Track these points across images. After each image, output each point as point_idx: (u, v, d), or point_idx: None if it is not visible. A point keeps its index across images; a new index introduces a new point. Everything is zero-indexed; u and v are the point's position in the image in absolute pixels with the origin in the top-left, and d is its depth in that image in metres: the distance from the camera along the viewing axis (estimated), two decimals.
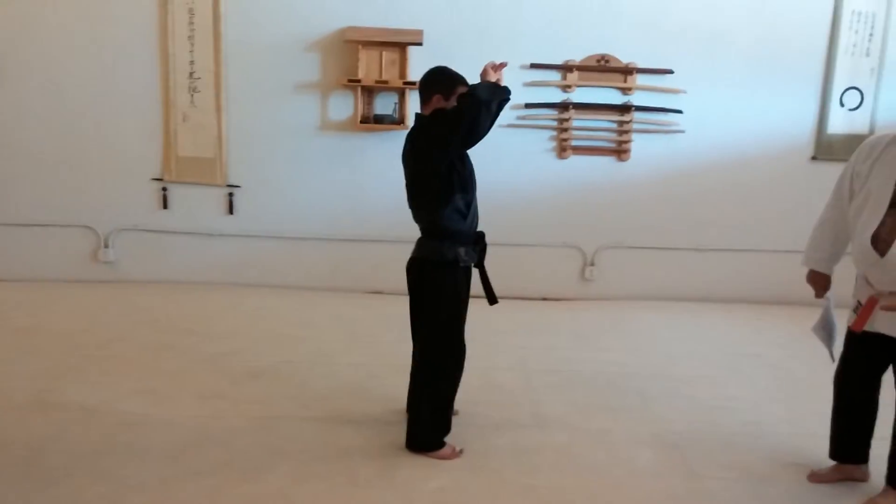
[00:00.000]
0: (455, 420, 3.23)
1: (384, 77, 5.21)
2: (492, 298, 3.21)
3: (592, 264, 5.75)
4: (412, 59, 5.25)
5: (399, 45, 5.19)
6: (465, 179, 2.95)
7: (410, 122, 5.33)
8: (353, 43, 5.18)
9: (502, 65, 2.95)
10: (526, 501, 2.69)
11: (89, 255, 5.63)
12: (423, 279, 3.02)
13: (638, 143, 5.60)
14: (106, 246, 5.60)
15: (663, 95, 5.54)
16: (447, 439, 3.05)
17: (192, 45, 5.31)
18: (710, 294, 5.74)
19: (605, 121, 5.59)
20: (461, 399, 3.36)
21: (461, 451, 3.04)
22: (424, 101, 3.00)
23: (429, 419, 3.02)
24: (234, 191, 5.54)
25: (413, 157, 2.98)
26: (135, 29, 5.31)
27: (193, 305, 5.11)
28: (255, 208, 5.58)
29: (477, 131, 2.79)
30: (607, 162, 5.64)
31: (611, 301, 5.69)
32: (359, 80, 5.18)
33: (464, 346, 3.08)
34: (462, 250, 2.96)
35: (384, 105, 5.39)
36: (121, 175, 5.52)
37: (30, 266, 5.58)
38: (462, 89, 2.90)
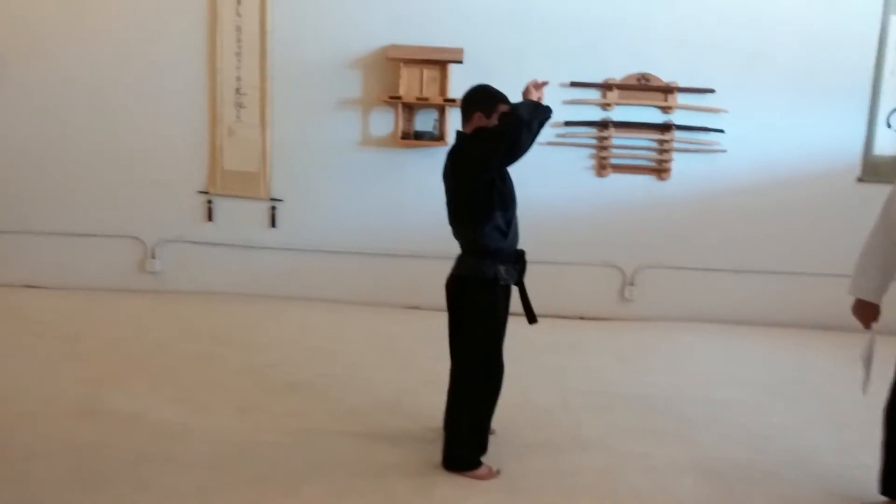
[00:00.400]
0: (493, 439, 3.22)
1: (424, 94, 5.26)
2: (531, 317, 3.20)
3: (632, 284, 5.70)
4: (452, 76, 5.29)
5: (439, 62, 5.24)
6: (505, 197, 2.96)
7: (450, 138, 5.37)
8: (394, 61, 5.25)
9: (544, 83, 2.97)
10: None
11: (137, 266, 5.76)
12: (462, 297, 3.02)
13: (678, 163, 5.55)
14: (153, 257, 5.73)
15: (704, 114, 5.49)
16: (484, 459, 3.04)
17: (239, 61, 5.42)
18: (751, 317, 5.64)
19: (646, 139, 5.56)
20: (499, 418, 3.34)
21: (498, 472, 3.02)
22: (466, 118, 3.02)
23: (465, 438, 3.01)
24: (277, 204, 5.63)
25: (453, 174, 3.00)
26: (185, 46, 5.45)
27: (235, 317, 5.19)
28: (297, 222, 5.65)
29: (517, 150, 2.81)
30: (647, 181, 5.60)
31: (650, 322, 5.63)
32: (399, 97, 5.24)
33: (502, 364, 3.07)
34: (502, 268, 2.96)
35: (424, 121, 5.44)
36: (168, 187, 5.65)
37: (79, 275, 5.72)
38: (503, 108, 2.92)
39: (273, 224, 5.65)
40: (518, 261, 3.08)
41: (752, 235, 5.63)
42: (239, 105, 5.48)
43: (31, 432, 3.19)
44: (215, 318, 5.11)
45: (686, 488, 2.97)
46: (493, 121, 2.92)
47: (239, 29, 5.38)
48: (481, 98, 2.98)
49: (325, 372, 4.15)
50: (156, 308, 5.30)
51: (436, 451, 3.12)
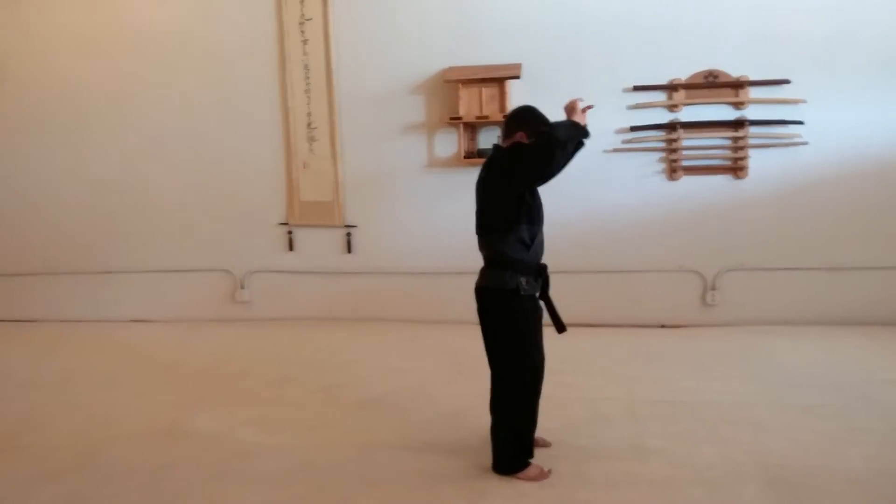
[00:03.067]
0: (548, 450, 3.23)
1: (484, 112, 5.34)
2: (560, 327, 3.19)
3: (714, 288, 5.50)
4: (511, 92, 5.34)
5: (497, 80, 5.30)
6: (532, 211, 3.01)
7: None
8: (453, 82, 5.36)
9: (588, 107, 3.02)
10: None
11: (228, 297, 6.12)
12: (486, 308, 3.08)
13: (756, 159, 5.33)
14: (242, 287, 6.07)
15: (780, 107, 5.26)
16: (535, 461, 3.07)
17: (309, 98, 5.70)
18: (845, 317, 5.31)
19: (718, 138, 5.38)
20: (558, 429, 3.34)
21: (549, 472, 3.05)
22: (507, 135, 3.08)
23: (508, 441, 3.06)
24: (352, 231, 5.84)
25: (485, 185, 3.06)
26: (259, 88, 5.79)
27: (314, 340, 5.40)
28: (371, 246, 5.85)
29: (550, 169, 2.85)
30: (723, 180, 5.41)
31: (735, 327, 5.40)
32: (460, 118, 5.33)
33: (536, 367, 3.06)
34: (523, 280, 2.99)
35: (487, 139, 5.51)
36: (252, 221, 5.99)
37: (179, 308, 6.15)
38: (544, 127, 2.95)
39: (349, 250, 5.86)
40: (541, 274, 3.09)
41: (841, 230, 5.32)
42: (311, 139, 5.76)
43: (119, 452, 3.47)
44: (296, 343, 5.35)
45: (749, 498, 2.84)
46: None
47: (306, 67, 5.67)
48: (526, 118, 3.05)
49: (394, 390, 4.25)
50: (243, 336, 5.60)
51: (489, 462, 3.15)
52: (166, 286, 6.17)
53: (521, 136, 3.00)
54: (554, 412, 3.63)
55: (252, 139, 5.86)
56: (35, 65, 6.03)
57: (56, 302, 6.28)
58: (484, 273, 3.09)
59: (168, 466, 3.31)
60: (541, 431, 3.29)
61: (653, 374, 4.41)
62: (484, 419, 3.61)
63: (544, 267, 3.10)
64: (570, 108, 3.03)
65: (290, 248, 5.95)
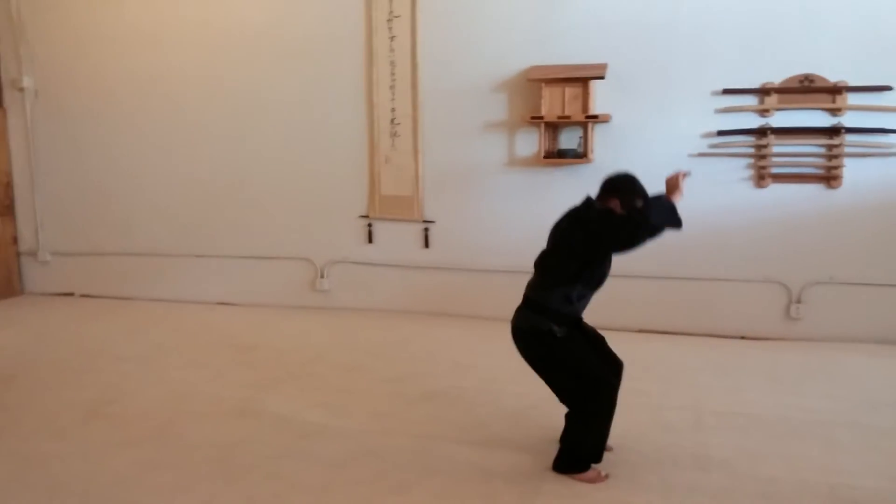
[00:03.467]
0: (609, 454, 3.20)
1: (566, 112, 5.30)
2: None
3: (799, 301, 5.28)
4: (596, 92, 5.28)
5: (581, 80, 5.25)
6: (594, 278, 3.03)
7: (594, 155, 5.36)
8: (535, 81, 5.35)
9: (686, 174, 3.08)
10: None
11: (308, 285, 6.32)
12: (524, 347, 3.13)
13: (851, 168, 5.08)
14: (322, 276, 6.26)
15: (880, 115, 4.99)
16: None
17: (393, 93, 5.82)
18: None
19: (811, 145, 5.15)
20: (621, 434, 3.31)
21: (607, 476, 3.04)
22: (601, 198, 3.06)
23: (577, 449, 3.06)
24: (430, 226, 5.93)
25: (565, 231, 3.07)
26: (346, 84, 5.94)
27: (388, 331, 5.52)
28: (448, 242, 5.90)
29: (632, 246, 2.90)
30: (814, 189, 5.18)
31: (820, 342, 5.16)
32: (541, 117, 5.32)
33: (601, 384, 3.02)
34: (556, 327, 3.01)
35: (569, 139, 5.47)
36: (334, 213, 6.16)
37: (262, 293, 6.40)
38: (639, 202, 2.95)
39: (426, 245, 5.95)
40: (574, 326, 3.12)
41: None
42: (394, 134, 5.87)
43: (194, 426, 3.67)
44: (370, 333, 5.48)
45: None
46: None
47: (392, 63, 5.78)
48: (622, 189, 3.02)
49: (460, 384, 4.30)
50: (321, 323, 5.78)
51: (547, 462, 3.16)
52: (251, 272, 6.43)
53: (614, 203, 2.98)
54: (617, 417, 3.50)
55: (337, 133, 6.03)
56: (137, 57, 6.38)
57: (151, 282, 6.65)
58: (519, 313, 3.14)
59: (237, 442, 3.48)
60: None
61: (725, 384, 4.28)
62: (547, 419, 3.64)
63: (580, 319, 3.15)
64: (673, 185, 3.03)
65: (370, 240, 6.09)
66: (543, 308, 3.03)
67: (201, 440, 3.51)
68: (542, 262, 3.14)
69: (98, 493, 2.99)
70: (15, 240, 6.89)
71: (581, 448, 3.05)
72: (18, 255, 6.93)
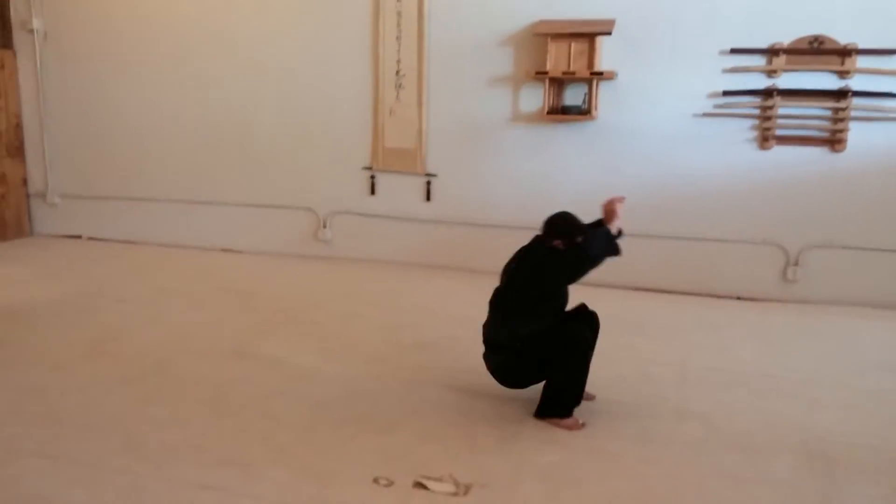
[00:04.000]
0: (590, 405, 3.28)
1: (572, 68, 5.26)
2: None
3: (796, 264, 5.29)
4: (602, 49, 5.24)
5: (588, 35, 5.19)
6: (551, 310, 3.20)
7: (598, 113, 5.35)
8: (542, 36, 5.30)
9: (620, 200, 3.20)
10: (630, 486, 2.67)
11: (311, 234, 6.39)
12: (496, 353, 3.27)
13: (856, 132, 5.04)
14: (324, 226, 6.32)
15: (889, 78, 4.93)
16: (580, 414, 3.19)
17: (399, 45, 5.79)
18: None
19: (817, 108, 5.10)
20: (603, 386, 3.37)
21: (583, 424, 3.13)
22: (546, 239, 3.19)
23: (556, 398, 3.14)
24: (432, 179, 5.95)
25: (516, 271, 3.23)
26: (352, 36, 5.92)
27: (387, 282, 5.60)
28: (450, 196, 5.93)
29: (577, 278, 3.12)
30: (818, 153, 5.15)
31: (815, 305, 5.19)
32: (546, 73, 5.29)
33: (573, 339, 3.09)
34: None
35: (574, 96, 5.44)
36: (338, 164, 6.19)
37: (265, 241, 6.47)
38: (579, 237, 3.11)
39: (428, 198, 5.98)
40: None
41: None
42: (399, 87, 5.86)
43: (191, 365, 3.78)
44: (369, 283, 5.56)
45: (780, 468, 2.82)
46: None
47: (399, 14, 5.74)
48: (563, 229, 3.17)
49: (454, 334, 4.38)
50: (321, 272, 5.87)
51: (530, 409, 3.24)
52: (255, 220, 6.49)
53: (557, 243, 3.14)
54: (603, 369, 3.64)
55: (342, 84, 6.03)
56: (145, 4, 6.38)
57: (156, 227, 6.74)
58: (492, 325, 3.30)
59: (231, 381, 3.59)
60: (588, 384, 3.34)
61: (715, 342, 4.34)
62: None
63: None
64: (609, 211, 3.19)
65: (373, 192, 6.13)
66: (518, 336, 3.15)
67: (197, 378, 3.62)
68: (499, 300, 3.27)
69: (95, 424, 3.10)
70: (25, 181, 6.99)
71: (561, 397, 3.14)
72: (28, 196, 7.03)
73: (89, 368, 3.72)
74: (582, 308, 3.32)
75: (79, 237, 6.96)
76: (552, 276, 3.13)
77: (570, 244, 3.10)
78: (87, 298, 4.97)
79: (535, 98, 5.56)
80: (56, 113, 6.85)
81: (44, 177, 6.98)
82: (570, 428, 3.09)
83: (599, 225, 3.19)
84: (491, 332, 3.27)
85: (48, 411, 3.21)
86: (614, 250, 3.11)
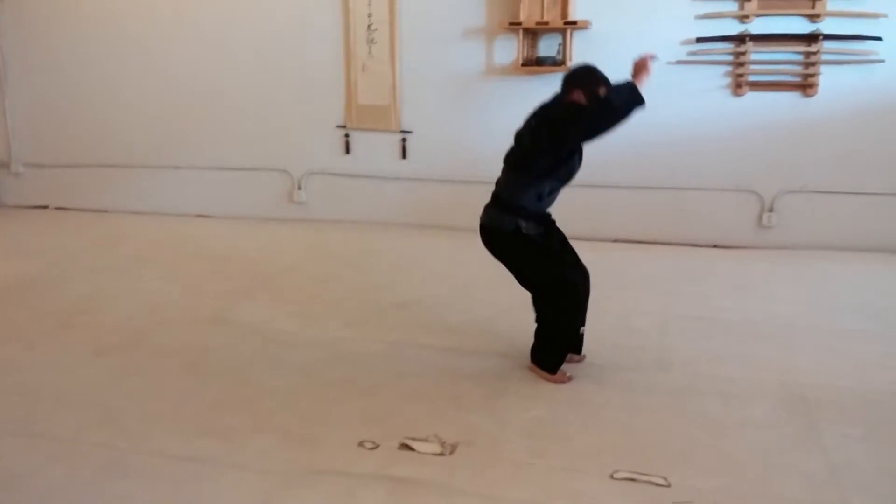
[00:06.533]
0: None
1: (545, 18, 5.16)
2: None
3: (771, 210, 5.31)
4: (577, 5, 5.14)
5: None
6: (566, 172, 3.03)
7: (573, 62, 5.24)
8: None
9: (653, 57, 2.94)
10: (616, 437, 2.69)
11: (285, 196, 6.27)
12: (494, 246, 3.15)
13: (827, 76, 5.02)
14: (299, 188, 6.21)
15: (858, 21, 4.90)
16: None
17: None
18: None
19: (789, 52, 5.07)
20: (586, 339, 3.37)
21: (570, 378, 3.13)
22: (566, 92, 3.01)
23: (542, 347, 3.16)
24: (407, 136, 5.85)
25: (533, 127, 3.01)
26: None
27: (365, 243, 5.53)
28: (426, 153, 5.84)
29: (598, 133, 2.87)
30: (790, 98, 5.13)
31: (791, 250, 5.23)
32: (520, 23, 5.18)
33: (568, 288, 3.07)
34: (522, 223, 3.03)
35: (549, 47, 5.35)
36: (311, 124, 6.05)
37: (236, 205, 6.33)
38: (603, 91, 2.90)
39: (404, 155, 5.89)
40: (543, 222, 3.14)
41: None
42: (371, 41, 5.71)
43: (167, 335, 3.71)
44: (347, 244, 5.50)
45: (760, 412, 2.86)
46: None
47: None
48: (584, 78, 2.99)
49: (434, 293, 4.35)
50: (297, 235, 5.79)
51: (514, 365, 3.25)
52: (229, 183, 6.35)
53: (577, 96, 2.95)
54: (586, 322, 3.66)
55: (313, 40, 5.85)
56: None
57: (126, 194, 6.57)
58: (487, 211, 3.15)
59: (209, 349, 3.54)
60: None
61: (694, 291, 4.36)
62: (516, 325, 3.69)
63: (548, 215, 3.16)
64: (640, 67, 2.92)
65: (347, 151, 6.02)
66: (511, 206, 3.04)
67: (174, 348, 3.56)
68: (512, 158, 3.11)
69: (70, 398, 3.05)
70: None
71: (551, 342, 3.13)
72: None
73: (63, 342, 3.64)
74: (578, 260, 3.22)
75: (46, 207, 6.78)
76: (572, 129, 2.86)
77: (592, 96, 2.89)
78: (57, 270, 4.86)
79: (509, 50, 5.45)
80: (16, 79, 6.59)
81: (6, 145, 6.74)
82: (555, 381, 3.09)
83: None
84: (498, 188, 3.14)
85: (22, 388, 3.14)
86: (638, 100, 2.81)
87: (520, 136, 3.08)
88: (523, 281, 3.17)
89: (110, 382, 3.19)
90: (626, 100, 2.81)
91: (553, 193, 3.07)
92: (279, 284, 4.55)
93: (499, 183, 3.15)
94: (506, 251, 3.12)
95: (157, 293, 4.37)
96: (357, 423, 2.81)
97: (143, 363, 3.39)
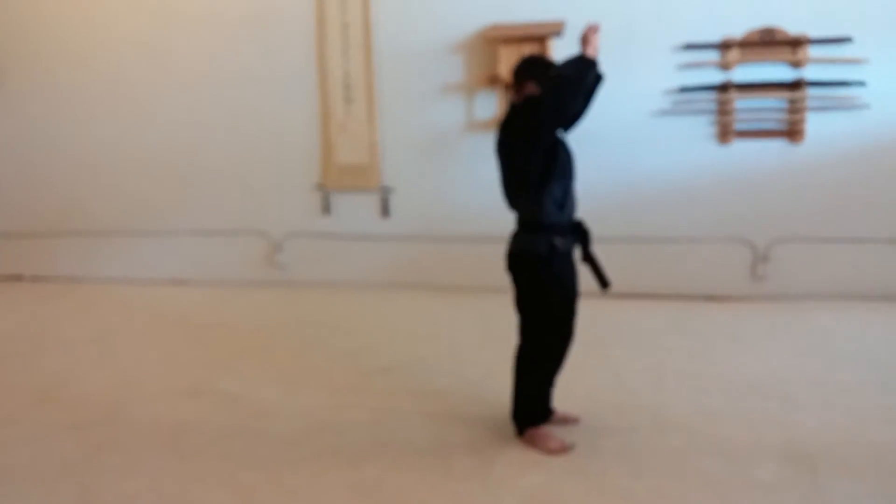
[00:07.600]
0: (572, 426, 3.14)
1: None
2: (604, 283, 3.09)
3: (766, 260, 5.24)
4: (554, 52, 5.14)
5: (538, 38, 5.10)
6: (562, 165, 2.89)
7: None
8: (493, 41, 5.19)
9: (596, 28, 2.81)
10: None
11: (264, 259, 6.14)
12: (518, 273, 2.97)
13: (813, 123, 5.01)
14: (278, 250, 6.09)
15: (841, 67, 4.92)
16: (561, 435, 3.03)
17: (347, 58, 5.63)
18: None
19: (773, 100, 5.07)
20: (581, 396, 3.24)
21: (572, 446, 2.96)
22: (517, 90, 2.95)
23: (518, 401, 3.04)
24: (389, 194, 5.78)
25: (507, 146, 2.92)
26: (296, 49, 5.71)
27: (347, 305, 5.40)
28: (409, 210, 5.76)
29: (564, 112, 2.73)
30: (778, 145, 5.11)
31: (787, 301, 5.13)
32: (499, 78, 5.17)
33: (560, 338, 2.96)
34: (558, 240, 2.87)
35: None
36: (288, 185, 5.95)
37: (213, 270, 6.19)
38: (551, 71, 2.84)
39: (386, 214, 5.81)
40: (576, 232, 2.97)
41: None
42: (348, 100, 5.69)
43: (145, 410, 3.54)
44: (328, 307, 5.36)
45: (764, 472, 2.72)
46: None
47: (345, 25, 5.58)
48: (533, 66, 2.93)
49: (419, 356, 4.20)
50: (277, 299, 5.64)
51: (505, 431, 3.10)
52: (205, 248, 6.21)
53: (531, 88, 2.87)
54: (580, 381, 3.54)
55: (288, 100, 5.81)
56: (80, 27, 6.09)
57: (99, 261, 6.41)
58: (515, 237, 2.98)
59: (188, 423, 3.37)
60: (565, 401, 3.24)
61: (689, 346, 4.24)
62: (505, 386, 3.51)
63: (579, 224, 2.99)
64: (586, 38, 2.80)
65: (327, 211, 5.93)
66: (540, 225, 2.87)
67: (152, 421, 3.39)
68: (509, 183, 2.96)
69: (46, 475, 2.88)
70: None
71: (520, 400, 3.02)
72: None
73: (38, 417, 3.47)
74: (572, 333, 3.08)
75: (20, 277, 6.62)
76: (542, 121, 2.73)
77: (545, 81, 2.80)
78: (31, 342, 4.69)
79: (489, 105, 5.44)
80: None
81: None
82: (555, 451, 2.92)
83: None
84: (518, 218, 2.98)
85: None
86: (589, 64, 2.71)
87: (501, 167, 2.98)
88: (521, 315, 3.01)
89: (87, 458, 3.04)
90: (578, 68, 2.72)
91: (567, 196, 2.91)
92: (259, 351, 4.40)
93: (516, 212, 3.00)
94: (526, 281, 2.94)
95: (134, 364, 4.20)
96: (344, 496, 2.66)
97: (120, 437, 3.22)
